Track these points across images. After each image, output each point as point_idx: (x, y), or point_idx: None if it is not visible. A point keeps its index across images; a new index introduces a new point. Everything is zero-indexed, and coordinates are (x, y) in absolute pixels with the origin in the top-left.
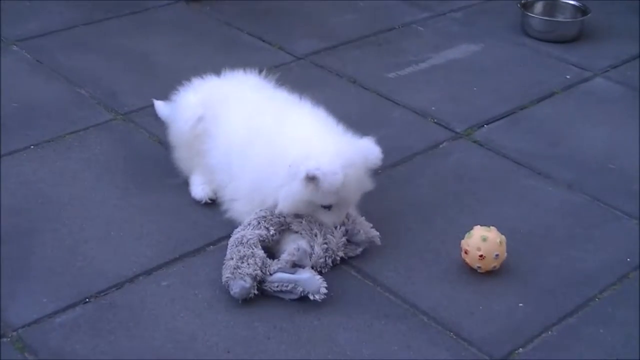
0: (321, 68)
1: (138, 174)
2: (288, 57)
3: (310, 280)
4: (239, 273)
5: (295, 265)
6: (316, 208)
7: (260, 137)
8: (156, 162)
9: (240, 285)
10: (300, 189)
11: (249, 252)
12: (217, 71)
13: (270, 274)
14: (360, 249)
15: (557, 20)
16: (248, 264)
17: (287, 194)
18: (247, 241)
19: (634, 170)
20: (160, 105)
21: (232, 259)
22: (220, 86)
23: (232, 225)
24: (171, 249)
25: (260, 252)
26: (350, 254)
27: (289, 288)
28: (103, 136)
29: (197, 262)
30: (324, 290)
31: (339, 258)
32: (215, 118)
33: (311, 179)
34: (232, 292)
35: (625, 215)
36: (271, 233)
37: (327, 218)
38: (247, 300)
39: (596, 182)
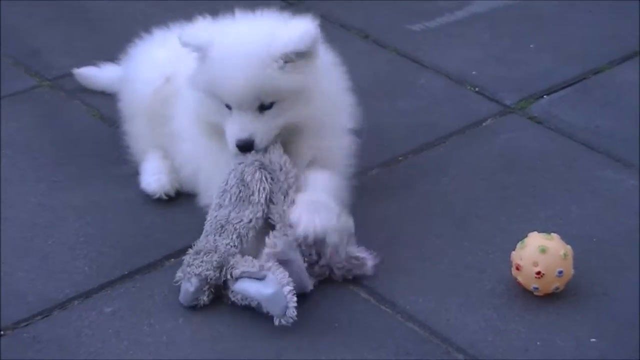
0: (321, 17)
1: (70, 160)
2: (278, 3)
3: (274, 299)
4: (188, 272)
5: (281, 261)
6: (221, 114)
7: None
8: (96, 144)
9: (183, 288)
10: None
11: (210, 245)
12: (175, 20)
13: (234, 278)
14: (369, 267)
15: None
16: (201, 262)
17: (184, 103)
18: (233, 226)
19: None
20: (88, 73)
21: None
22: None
23: (201, 230)
24: (117, 263)
25: (223, 246)
26: (356, 272)
27: (254, 305)
28: (22, 109)
29: (151, 281)
30: (292, 314)
31: (336, 274)
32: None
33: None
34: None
35: None
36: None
37: (227, 128)
38: (221, 331)
39: None
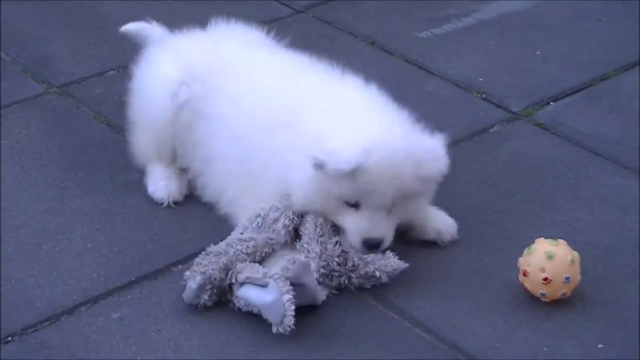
0: (328, 24)
1: (79, 167)
2: (284, 9)
3: (273, 307)
4: (194, 270)
5: (294, 285)
6: (339, 205)
7: (291, 116)
8: (104, 151)
9: (187, 285)
10: (310, 174)
11: (221, 249)
12: (187, 27)
13: (239, 283)
14: (385, 277)
15: None
16: (208, 262)
17: (300, 180)
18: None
19: None
20: (138, 28)
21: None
22: (209, 44)
23: (209, 236)
24: (125, 269)
25: (233, 251)
26: (372, 283)
27: (255, 311)
28: (31, 116)
29: (159, 287)
30: (289, 322)
31: (354, 283)
32: (209, 91)
33: (319, 165)
34: None
35: None
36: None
37: (351, 222)
38: (228, 337)
39: None
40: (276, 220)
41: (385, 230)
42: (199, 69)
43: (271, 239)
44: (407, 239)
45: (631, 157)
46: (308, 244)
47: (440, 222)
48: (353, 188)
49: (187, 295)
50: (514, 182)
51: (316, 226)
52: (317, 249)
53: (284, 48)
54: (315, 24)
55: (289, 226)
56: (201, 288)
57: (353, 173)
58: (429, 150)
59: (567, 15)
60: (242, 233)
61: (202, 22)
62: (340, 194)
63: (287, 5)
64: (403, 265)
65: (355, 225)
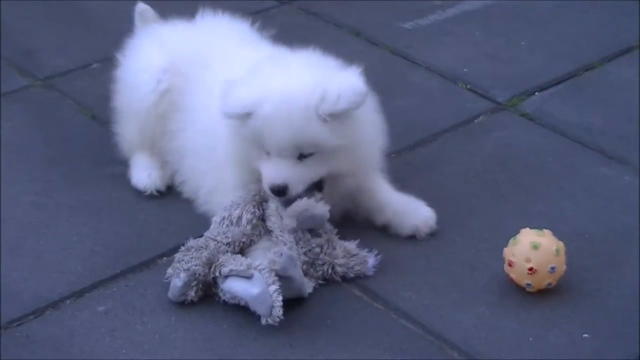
0: (313, 16)
1: (64, 160)
2: (269, 1)
3: (260, 299)
4: (177, 268)
5: (281, 277)
6: (258, 154)
7: None
8: (89, 144)
9: (172, 284)
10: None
11: (202, 242)
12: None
13: (223, 276)
14: (370, 265)
15: None
16: (190, 257)
17: (223, 132)
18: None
19: None
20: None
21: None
22: (193, 35)
23: (193, 228)
24: (110, 262)
25: (214, 244)
26: (357, 270)
27: (243, 304)
28: (15, 109)
29: (144, 280)
30: (277, 313)
31: (338, 272)
32: (187, 83)
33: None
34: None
35: None
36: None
37: (263, 169)
38: (214, 329)
39: None
40: (239, 217)
41: (290, 177)
42: (180, 60)
43: (244, 234)
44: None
45: (615, 147)
46: (281, 236)
47: (418, 216)
48: (252, 133)
49: (173, 293)
50: (499, 172)
51: (281, 217)
52: (291, 238)
53: (268, 40)
54: (300, 15)
55: (252, 220)
56: (186, 285)
57: (246, 117)
58: (337, 85)
59: (551, 6)
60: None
61: (189, 14)
62: (249, 140)
63: None
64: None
65: (265, 172)
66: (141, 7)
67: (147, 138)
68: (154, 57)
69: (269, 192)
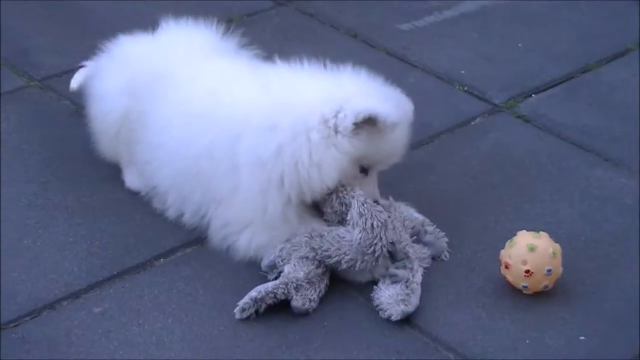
0: (310, 17)
1: (61, 161)
2: (266, 2)
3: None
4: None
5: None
6: (353, 175)
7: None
8: (85, 144)
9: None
10: (347, 143)
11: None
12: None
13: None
14: (428, 256)
15: None
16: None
17: (326, 158)
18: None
19: None
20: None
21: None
22: (156, 50)
23: (190, 230)
24: (106, 263)
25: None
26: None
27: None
28: (11, 109)
29: (141, 281)
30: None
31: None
32: (152, 99)
33: (365, 122)
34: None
35: None
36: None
37: (365, 186)
38: (210, 331)
39: None
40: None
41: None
42: (142, 77)
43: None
44: None
45: (611, 148)
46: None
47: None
48: (376, 149)
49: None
50: (496, 174)
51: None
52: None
53: (241, 49)
54: (297, 16)
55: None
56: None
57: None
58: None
59: (548, 8)
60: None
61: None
62: (359, 157)
63: None
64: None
65: (367, 187)
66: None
67: (125, 155)
68: (113, 79)
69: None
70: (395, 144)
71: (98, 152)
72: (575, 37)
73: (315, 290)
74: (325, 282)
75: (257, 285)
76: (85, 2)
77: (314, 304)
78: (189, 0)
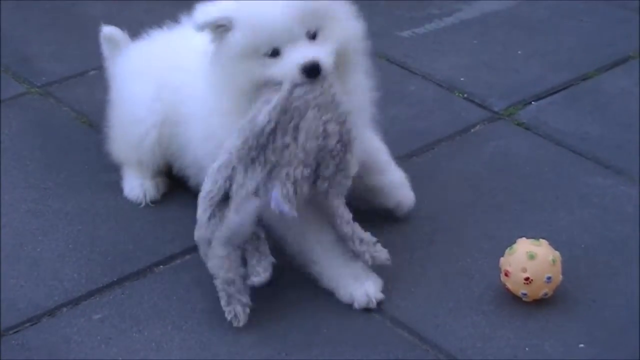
0: None
1: (61, 167)
2: None
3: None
4: None
5: None
6: (261, 63)
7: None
8: (85, 151)
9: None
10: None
11: None
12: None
13: None
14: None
15: None
16: None
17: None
18: None
19: None
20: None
21: None
22: (171, 46)
23: (190, 236)
24: (106, 269)
25: None
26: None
27: None
28: (12, 116)
29: (141, 288)
30: None
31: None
32: (178, 94)
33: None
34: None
35: None
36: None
37: (281, 64)
38: (210, 338)
39: None
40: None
41: (316, 52)
42: (166, 77)
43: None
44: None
45: (611, 156)
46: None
47: (402, 194)
48: (245, 35)
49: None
50: (496, 181)
51: None
52: None
53: None
54: None
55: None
56: None
57: (227, 24)
58: None
59: (548, 15)
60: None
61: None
62: (240, 49)
63: None
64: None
65: (286, 63)
66: (107, 31)
67: (146, 164)
68: (140, 89)
69: (298, 77)
70: (259, 20)
71: (107, 154)
72: (576, 45)
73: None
74: None
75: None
76: (85, 9)
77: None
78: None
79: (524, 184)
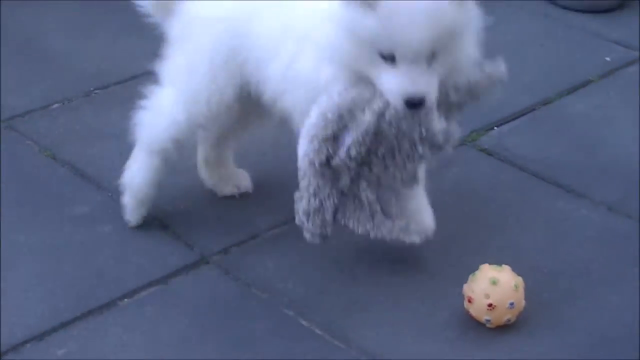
0: None
1: (24, 201)
2: None
3: None
4: None
5: None
6: (374, 62)
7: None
8: (49, 185)
9: None
10: (352, 21)
11: None
12: (131, 61)
13: None
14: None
15: None
16: None
17: (332, 41)
18: None
19: None
20: None
21: None
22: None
23: (154, 269)
24: (70, 304)
25: None
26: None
27: None
28: None
29: (105, 322)
30: None
31: None
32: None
33: None
34: None
35: None
36: None
37: (387, 80)
38: None
39: None
40: None
41: (426, 86)
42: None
43: None
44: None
45: (573, 180)
46: None
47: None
48: (383, 30)
49: None
50: (459, 208)
51: None
52: None
53: None
54: None
55: None
56: None
57: (381, 10)
58: None
59: (509, 40)
60: None
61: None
62: (371, 41)
63: None
64: None
65: (393, 83)
66: None
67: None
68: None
69: (399, 107)
70: (404, 25)
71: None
72: (537, 69)
73: None
74: None
75: (220, 327)
76: (47, 42)
77: None
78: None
79: (487, 209)
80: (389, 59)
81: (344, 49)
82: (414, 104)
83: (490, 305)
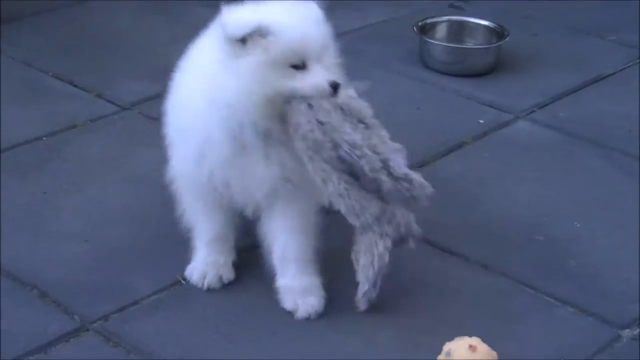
0: (154, 120)
1: None
2: (109, 106)
3: None
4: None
5: None
6: (286, 75)
7: None
8: None
9: None
10: (252, 57)
11: None
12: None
13: None
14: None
15: (466, 47)
16: None
17: (240, 81)
18: None
19: (567, 241)
20: None
21: None
22: None
23: (32, 337)
24: None
25: None
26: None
27: None
28: None
29: None
30: None
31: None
32: None
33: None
34: None
35: (557, 302)
36: None
37: (313, 77)
38: None
39: (519, 260)
40: None
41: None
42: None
43: None
44: None
45: (448, 239)
46: None
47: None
48: (281, 46)
49: None
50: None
51: None
52: None
53: None
54: (141, 120)
55: None
56: None
57: (262, 33)
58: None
59: (386, 104)
60: None
61: (21, 123)
62: (285, 58)
63: (113, 102)
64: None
65: (316, 77)
66: None
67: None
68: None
69: (327, 90)
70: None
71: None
72: (414, 132)
73: None
74: None
75: None
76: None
77: None
78: (30, 107)
79: None
80: (301, 66)
81: (259, 80)
82: (335, 86)
83: None
